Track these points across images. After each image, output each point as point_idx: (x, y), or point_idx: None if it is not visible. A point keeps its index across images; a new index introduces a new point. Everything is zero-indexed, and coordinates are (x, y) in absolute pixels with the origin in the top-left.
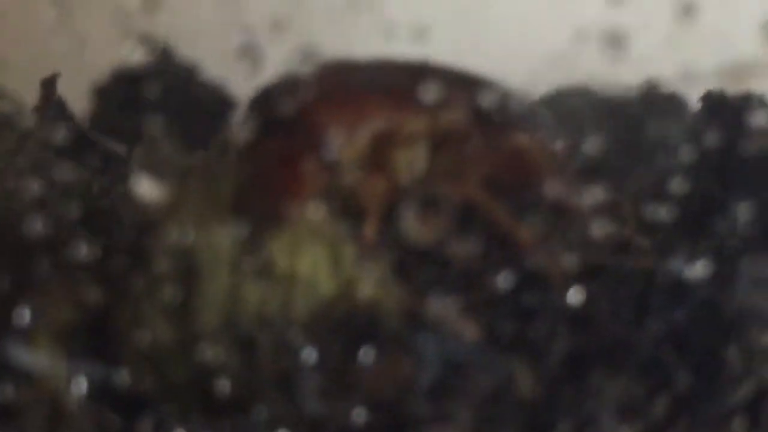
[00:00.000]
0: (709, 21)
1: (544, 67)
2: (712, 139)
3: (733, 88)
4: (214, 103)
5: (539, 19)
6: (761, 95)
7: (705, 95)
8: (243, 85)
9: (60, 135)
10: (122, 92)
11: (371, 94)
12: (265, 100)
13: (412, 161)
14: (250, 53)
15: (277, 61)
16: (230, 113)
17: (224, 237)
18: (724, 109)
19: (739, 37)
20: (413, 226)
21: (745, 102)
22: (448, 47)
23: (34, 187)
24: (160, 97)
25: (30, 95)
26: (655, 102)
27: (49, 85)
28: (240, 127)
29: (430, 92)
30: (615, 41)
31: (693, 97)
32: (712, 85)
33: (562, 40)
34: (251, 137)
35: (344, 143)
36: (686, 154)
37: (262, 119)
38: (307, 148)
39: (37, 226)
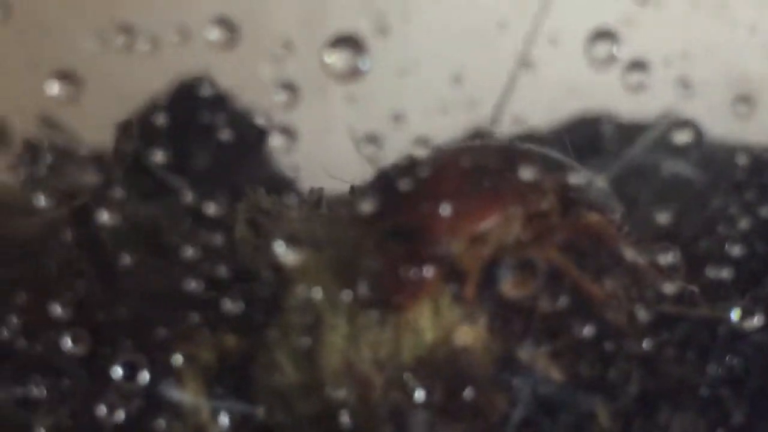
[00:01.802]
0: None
1: None
2: (763, 209)
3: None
4: (247, 131)
5: None
6: None
7: (749, 156)
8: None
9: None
10: (156, 121)
11: (480, 200)
12: (386, 182)
13: (507, 234)
14: (374, 140)
15: (396, 147)
16: (262, 142)
17: (345, 295)
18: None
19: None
20: (507, 285)
21: None
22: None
23: (188, 250)
24: (194, 125)
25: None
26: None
27: (125, 128)
28: (358, 200)
29: (526, 176)
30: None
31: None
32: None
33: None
34: (373, 215)
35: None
36: (741, 221)
37: (385, 199)
38: (429, 257)
39: (190, 285)
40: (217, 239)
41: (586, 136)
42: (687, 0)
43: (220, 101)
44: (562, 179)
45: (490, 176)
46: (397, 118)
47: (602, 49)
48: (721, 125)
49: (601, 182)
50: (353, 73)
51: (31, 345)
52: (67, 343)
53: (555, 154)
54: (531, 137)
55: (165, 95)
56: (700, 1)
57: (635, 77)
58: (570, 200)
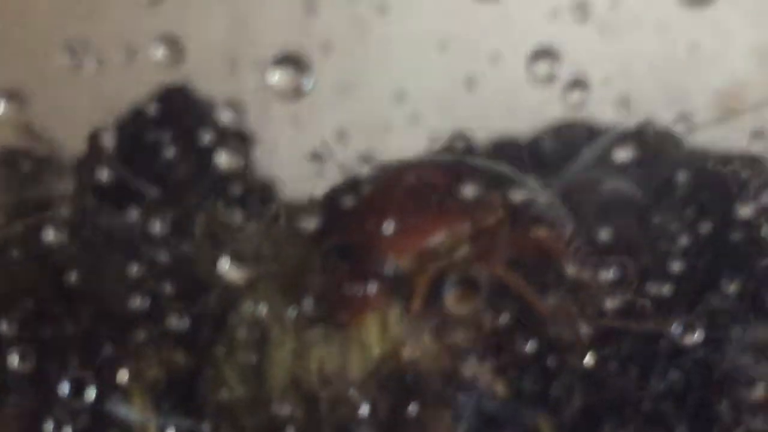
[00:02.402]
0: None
1: None
2: (705, 226)
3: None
4: (231, 138)
5: None
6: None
7: (697, 172)
8: None
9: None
10: (139, 130)
11: (426, 217)
12: (334, 199)
13: (455, 250)
14: (319, 157)
15: (341, 163)
16: (246, 149)
17: (291, 311)
18: (716, 189)
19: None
20: (451, 300)
21: (734, 177)
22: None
23: (133, 268)
24: (178, 133)
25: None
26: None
27: (95, 139)
28: (308, 217)
29: (470, 193)
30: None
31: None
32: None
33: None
34: (321, 231)
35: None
36: (683, 238)
37: (331, 217)
38: (374, 274)
39: (135, 302)
40: (173, 252)
41: (567, 143)
42: (629, 18)
43: (203, 108)
44: (510, 194)
45: (436, 192)
46: (341, 135)
47: (543, 67)
48: None
49: (549, 197)
50: (296, 92)
51: None
52: (15, 359)
53: (504, 168)
54: (511, 143)
55: (147, 103)
56: (641, 19)
57: (576, 96)
58: (518, 215)
